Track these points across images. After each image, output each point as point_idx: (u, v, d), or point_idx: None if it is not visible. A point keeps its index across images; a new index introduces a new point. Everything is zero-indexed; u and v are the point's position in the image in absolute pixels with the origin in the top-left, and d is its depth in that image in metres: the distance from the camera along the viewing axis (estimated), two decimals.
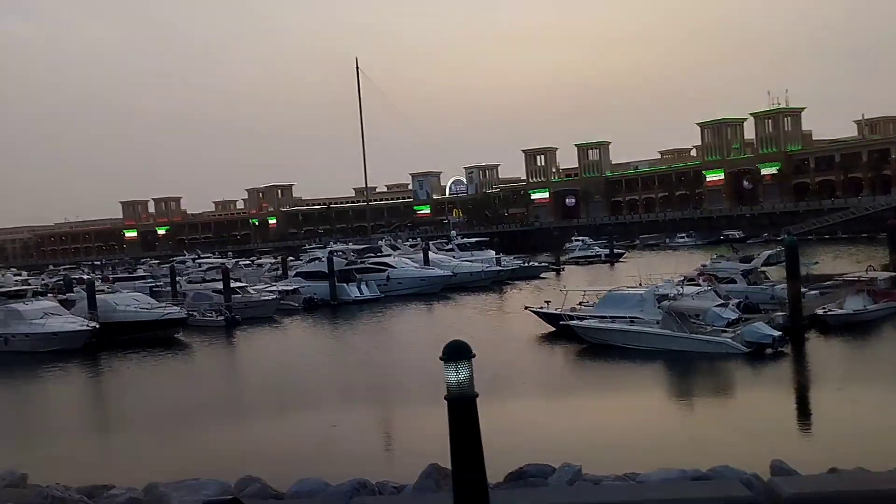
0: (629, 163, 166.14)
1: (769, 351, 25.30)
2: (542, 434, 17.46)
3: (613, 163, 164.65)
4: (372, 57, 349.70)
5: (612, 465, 11.65)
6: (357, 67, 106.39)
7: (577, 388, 24.25)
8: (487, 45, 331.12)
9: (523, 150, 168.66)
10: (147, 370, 33.76)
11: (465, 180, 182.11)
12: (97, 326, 39.12)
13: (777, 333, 25.77)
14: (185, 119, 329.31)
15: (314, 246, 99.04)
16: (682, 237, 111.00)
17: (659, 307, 28.15)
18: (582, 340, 29.73)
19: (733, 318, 28.32)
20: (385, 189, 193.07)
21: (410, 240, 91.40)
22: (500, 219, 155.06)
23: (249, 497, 10.34)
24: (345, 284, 55.30)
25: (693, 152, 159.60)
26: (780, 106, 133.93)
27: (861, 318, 29.84)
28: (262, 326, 44.81)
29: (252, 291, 52.22)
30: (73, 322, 40.05)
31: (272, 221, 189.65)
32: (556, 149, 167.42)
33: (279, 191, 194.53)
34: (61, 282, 66.90)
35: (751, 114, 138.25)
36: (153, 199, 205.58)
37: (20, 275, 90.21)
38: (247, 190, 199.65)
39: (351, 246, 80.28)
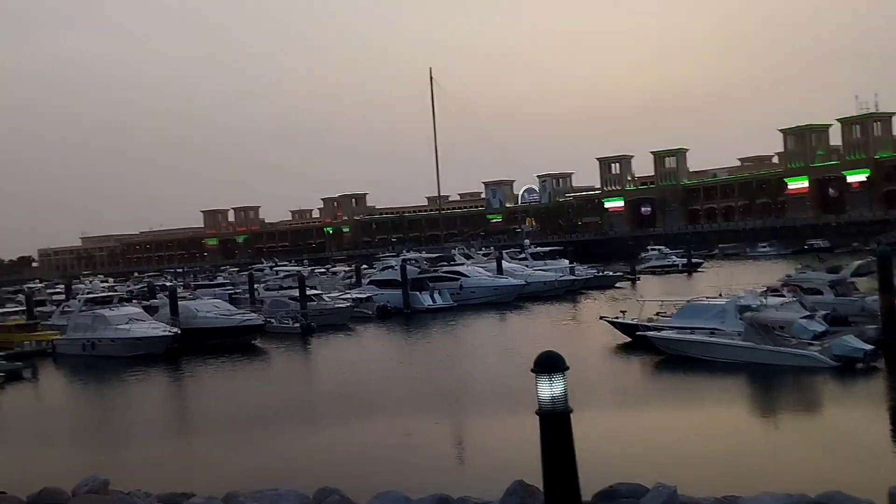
0: (707, 170, 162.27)
1: (860, 366, 23.95)
2: (629, 450, 16.81)
3: (691, 170, 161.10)
4: (446, 67, 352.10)
5: (708, 485, 11.01)
6: (431, 78, 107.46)
7: (659, 402, 23.35)
8: (561, 52, 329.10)
9: (598, 158, 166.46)
10: (226, 376, 34.38)
11: (537, 189, 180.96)
12: (179, 332, 40.01)
13: (869, 347, 24.36)
14: (262, 131, 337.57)
15: (388, 254, 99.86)
16: (764, 247, 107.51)
17: (741, 318, 27.01)
18: (659, 352, 28.85)
19: (820, 330, 27.07)
20: (458, 198, 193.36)
21: (483, 248, 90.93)
22: (574, 227, 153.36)
23: None
24: (418, 293, 55.31)
25: (775, 159, 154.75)
26: (870, 111, 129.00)
27: None
28: (336, 334, 45.17)
29: (327, 299, 52.76)
30: (156, 328, 41.11)
31: (346, 230, 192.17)
32: (632, 156, 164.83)
33: (353, 200, 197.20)
34: (145, 288, 68.82)
35: (838, 119, 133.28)
36: (233, 208, 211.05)
37: (107, 281, 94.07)
38: (322, 199, 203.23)
39: (424, 255, 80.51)
